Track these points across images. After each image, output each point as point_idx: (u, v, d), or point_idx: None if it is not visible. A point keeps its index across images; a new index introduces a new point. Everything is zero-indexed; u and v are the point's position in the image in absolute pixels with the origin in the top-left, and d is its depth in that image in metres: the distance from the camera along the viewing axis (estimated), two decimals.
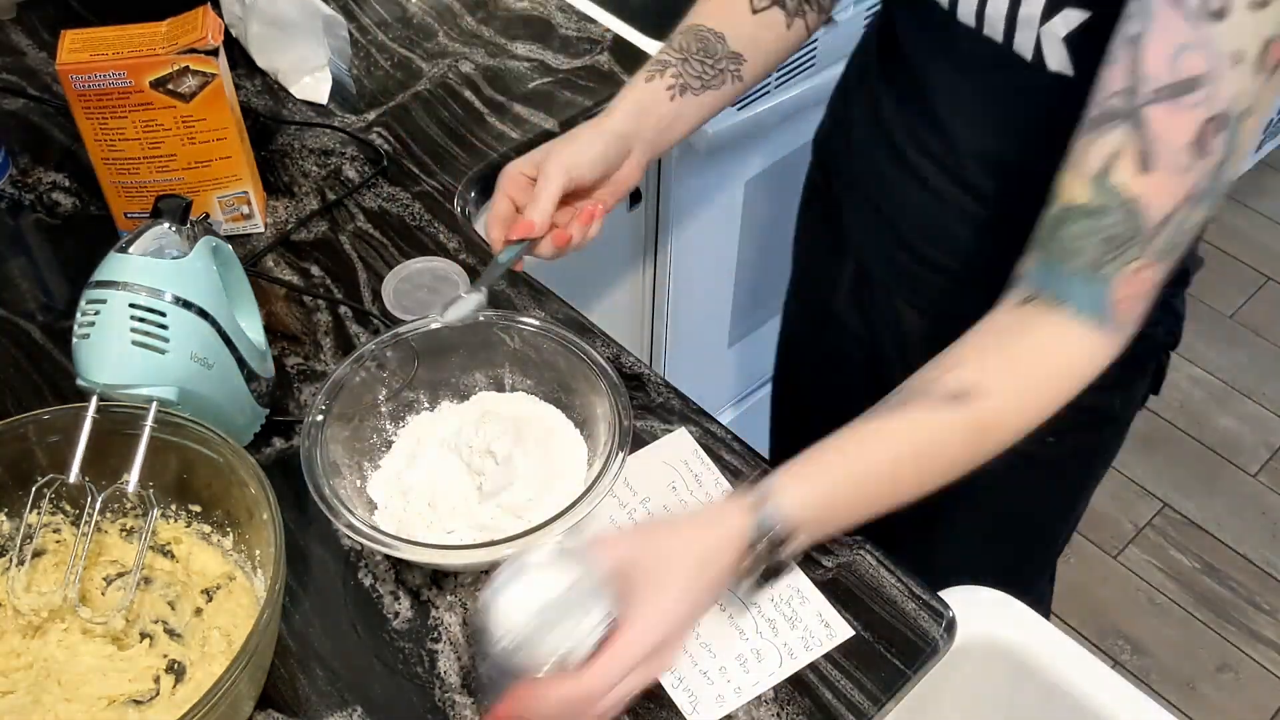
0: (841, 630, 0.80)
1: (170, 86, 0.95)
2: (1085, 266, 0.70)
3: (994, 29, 0.76)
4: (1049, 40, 0.73)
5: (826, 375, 1.16)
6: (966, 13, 0.77)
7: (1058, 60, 0.73)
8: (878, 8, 1.00)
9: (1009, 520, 1.08)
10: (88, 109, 0.95)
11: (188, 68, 0.94)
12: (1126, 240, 0.68)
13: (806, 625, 0.80)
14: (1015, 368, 0.72)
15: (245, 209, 1.06)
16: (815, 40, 1.36)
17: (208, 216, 1.03)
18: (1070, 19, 0.71)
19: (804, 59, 1.37)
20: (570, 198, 0.86)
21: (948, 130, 0.86)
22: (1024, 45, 0.75)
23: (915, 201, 0.91)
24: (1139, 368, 0.99)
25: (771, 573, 0.71)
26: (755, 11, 0.93)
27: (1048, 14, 0.72)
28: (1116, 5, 0.67)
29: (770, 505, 0.69)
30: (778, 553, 0.69)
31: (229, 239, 1.07)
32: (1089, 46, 0.70)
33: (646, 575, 0.66)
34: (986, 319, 0.74)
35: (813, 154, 1.12)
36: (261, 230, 1.08)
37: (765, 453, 0.93)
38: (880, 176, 0.95)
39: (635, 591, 0.66)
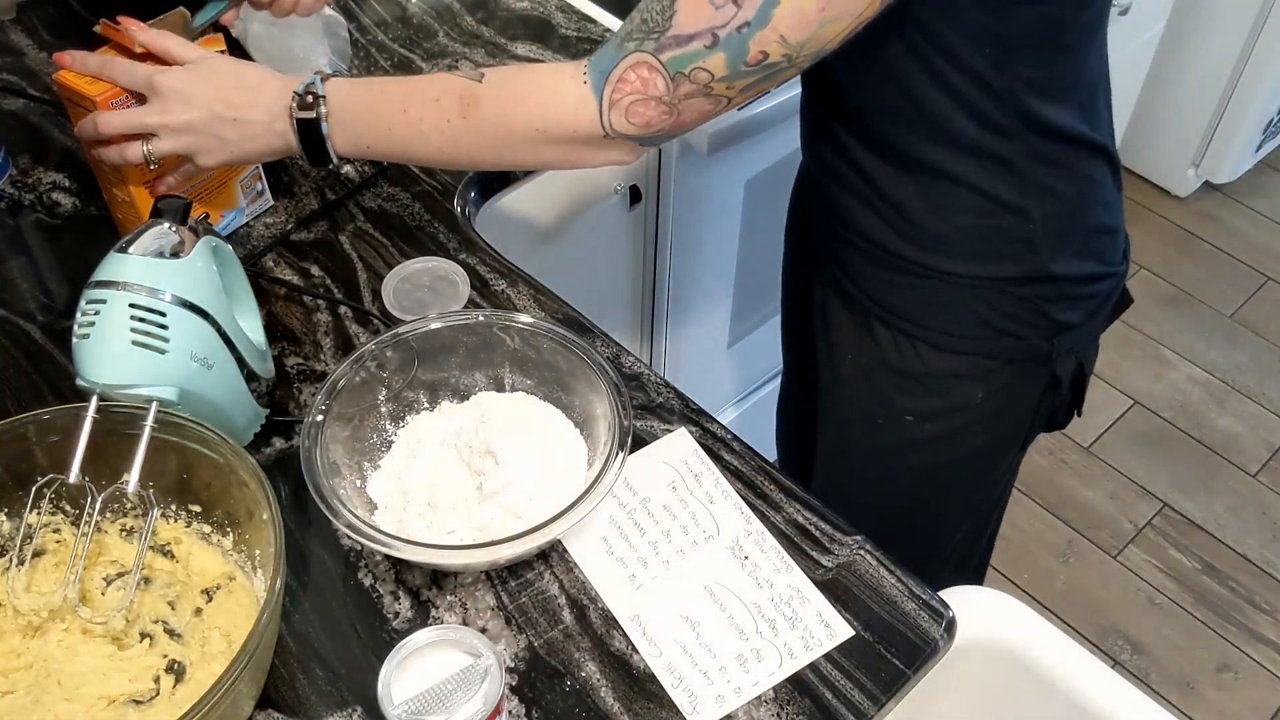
0: (841, 630, 0.80)
1: None
2: (616, 37, 0.78)
3: None
4: None
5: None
6: None
7: None
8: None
9: (891, 501, 1.11)
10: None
11: None
12: (650, 31, 0.75)
13: (806, 625, 0.80)
14: (513, 76, 0.83)
15: (259, 185, 1.06)
16: None
17: (207, 216, 1.03)
18: None
19: None
20: None
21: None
22: None
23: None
24: (1013, 370, 0.98)
25: (308, 133, 0.86)
26: None
27: None
28: None
29: (320, 80, 0.86)
30: (308, 110, 0.85)
31: (251, 225, 1.07)
32: None
33: (188, 74, 0.88)
34: None
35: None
36: (273, 204, 1.09)
37: (765, 453, 0.93)
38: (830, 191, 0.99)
39: (165, 85, 0.87)
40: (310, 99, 0.85)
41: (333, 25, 1.20)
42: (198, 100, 0.87)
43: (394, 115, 0.85)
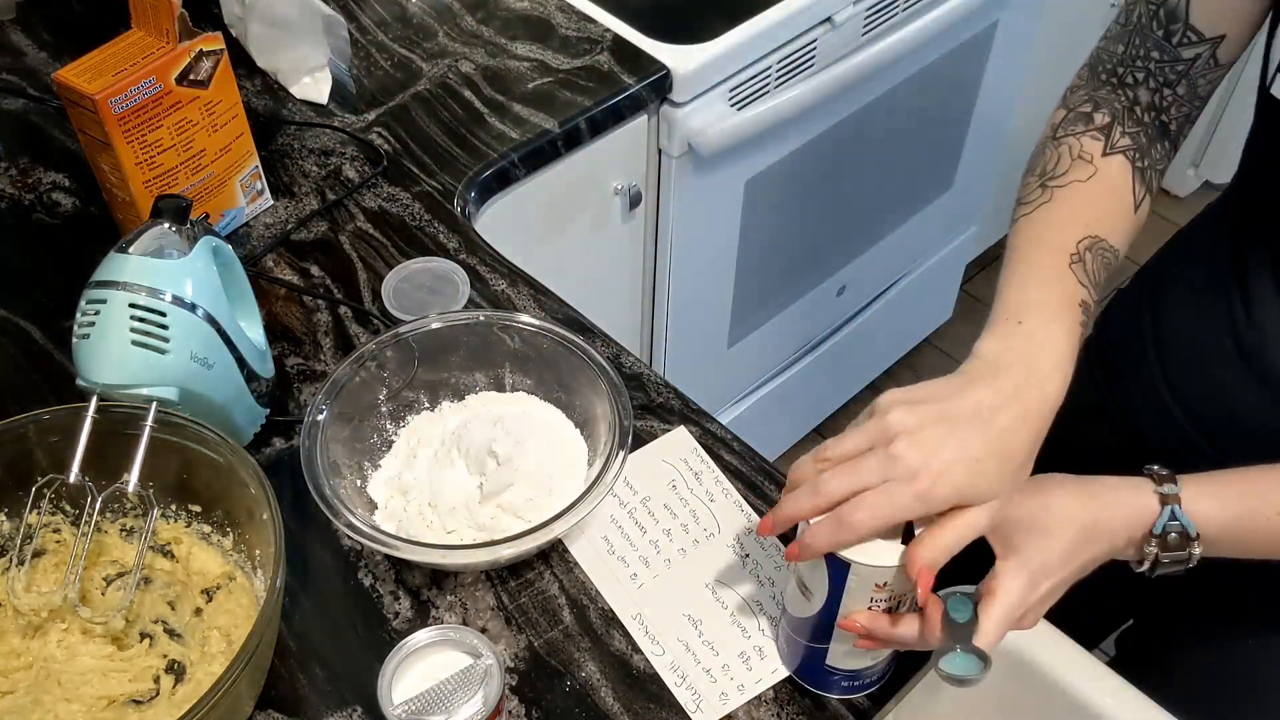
0: None
1: (191, 77, 0.95)
2: None
3: None
4: None
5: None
6: None
7: None
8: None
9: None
10: (127, 132, 0.93)
11: (201, 51, 0.95)
12: None
13: None
14: None
15: (259, 184, 1.06)
16: (815, 41, 1.36)
17: (207, 216, 1.03)
18: None
19: (803, 60, 1.37)
20: None
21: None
22: None
23: (1258, 416, 0.81)
24: None
25: (1161, 570, 0.70)
26: (1136, 209, 0.78)
27: None
28: None
29: (1181, 506, 0.68)
30: (1178, 552, 0.68)
31: (251, 225, 1.07)
32: None
33: (1030, 529, 0.66)
34: None
35: (1096, 332, 0.98)
36: (273, 204, 1.09)
37: (766, 454, 0.93)
38: (1202, 367, 0.84)
39: (1015, 543, 0.66)
40: (1176, 540, 0.68)
41: (333, 25, 1.20)
42: (1050, 599, 0.68)
43: (1273, 548, 0.71)
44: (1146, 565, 0.70)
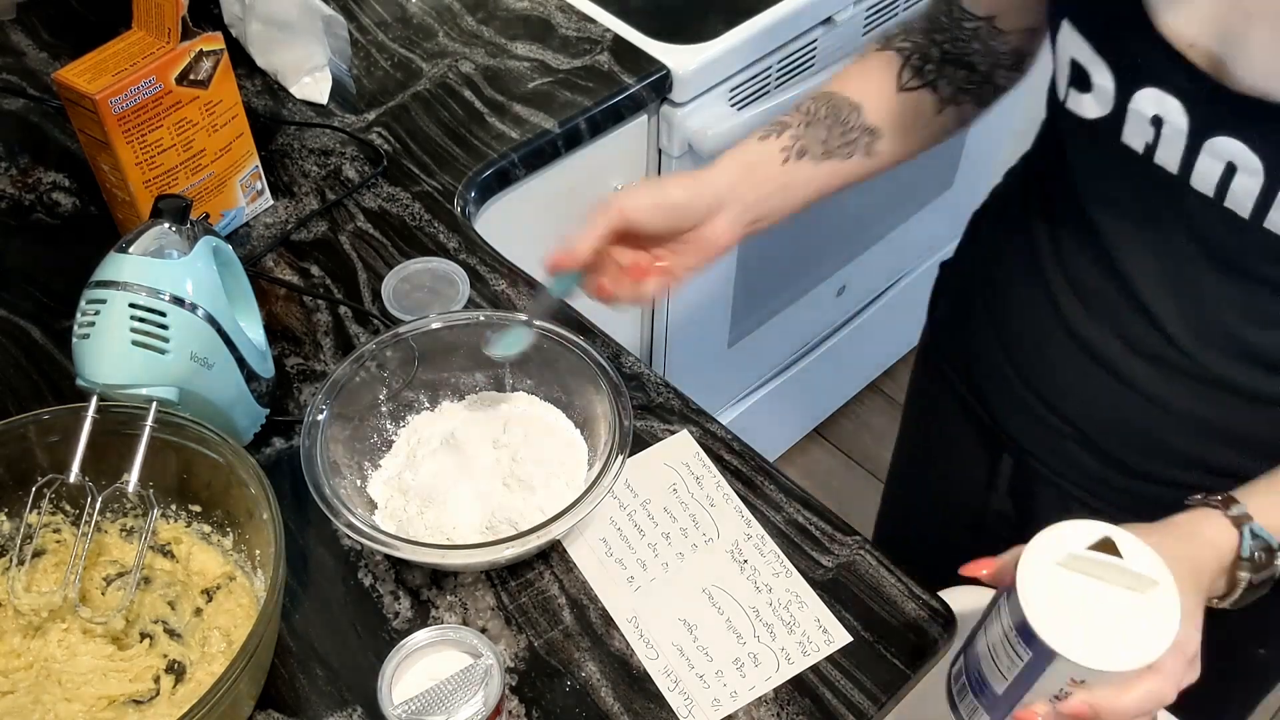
0: (840, 636, 0.79)
1: (191, 77, 0.95)
2: None
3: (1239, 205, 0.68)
4: None
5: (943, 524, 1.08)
6: (1204, 183, 0.69)
7: None
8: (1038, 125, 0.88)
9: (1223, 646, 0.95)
10: (127, 132, 0.93)
11: (201, 51, 0.95)
12: None
13: (804, 630, 0.80)
14: None
15: (258, 185, 1.06)
16: (815, 41, 1.36)
17: (207, 216, 1.03)
18: None
19: (803, 60, 1.37)
20: (649, 244, 0.78)
21: (1156, 313, 0.77)
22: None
23: (1105, 399, 0.82)
24: None
25: (1254, 593, 0.68)
26: (901, 89, 0.84)
27: None
28: None
29: (1259, 524, 0.67)
30: (1266, 571, 0.67)
31: (251, 225, 1.07)
32: None
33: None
34: None
35: (935, 285, 1.04)
36: (273, 204, 1.09)
37: (766, 454, 0.93)
38: (1040, 352, 0.86)
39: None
40: (1263, 557, 0.67)
41: (333, 25, 1.20)
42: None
43: None
44: (1239, 593, 0.68)
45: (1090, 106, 0.74)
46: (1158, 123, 0.70)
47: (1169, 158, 0.70)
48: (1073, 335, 0.83)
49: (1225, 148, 0.67)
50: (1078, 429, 0.87)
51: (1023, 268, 0.87)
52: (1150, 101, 0.69)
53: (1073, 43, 0.73)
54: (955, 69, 0.85)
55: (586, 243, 0.76)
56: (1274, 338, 0.74)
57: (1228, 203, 0.68)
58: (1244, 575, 0.67)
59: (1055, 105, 0.78)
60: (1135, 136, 0.72)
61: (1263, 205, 0.66)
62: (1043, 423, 0.89)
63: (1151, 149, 0.71)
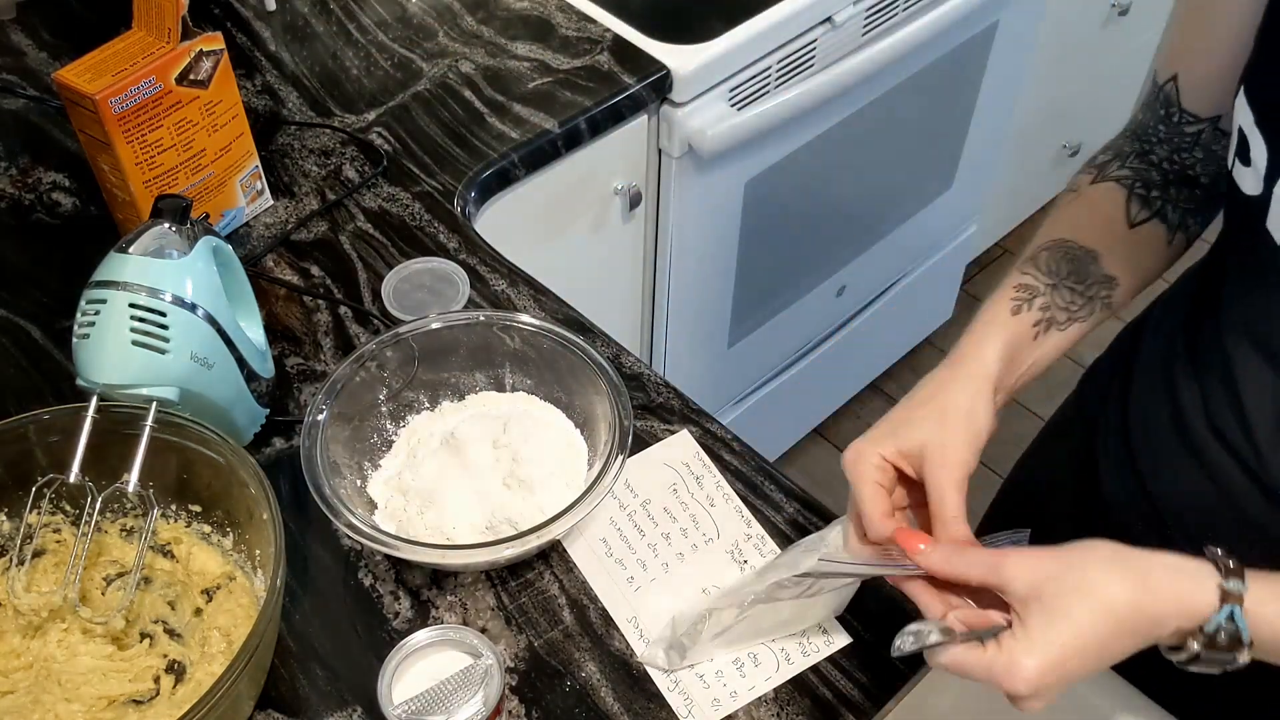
0: (839, 638, 0.79)
1: (191, 77, 0.95)
2: None
3: None
4: None
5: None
6: None
7: None
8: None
9: None
10: (127, 132, 0.93)
11: (201, 51, 0.95)
12: None
13: (805, 632, 0.80)
14: None
15: (259, 184, 1.06)
16: (815, 41, 1.36)
17: (207, 216, 1.03)
18: None
19: (803, 60, 1.37)
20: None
21: (1255, 427, 0.71)
22: None
23: (1200, 494, 0.77)
24: None
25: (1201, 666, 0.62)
26: (1133, 225, 0.78)
27: None
28: None
29: (1243, 608, 0.60)
30: (1224, 654, 0.61)
31: (251, 225, 1.07)
32: None
33: (1053, 608, 0.60)
34: None
35: (1078, 386, 0.98)
36: (273, 204, 1.09)
37: (766, 454, 0.93)
38: (1153, 450, 0.81)
39: (1032, 616, 0.60)
40: (1228, 641, 0.61)
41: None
42: (1056, 685, 0.62)
43: None
44: (1184, 658, 0.62)
45: (1248, 181, 0.68)
46: None
47: None
48: (1181, 422, 0.78)
49: None
50: (1180, 526, 0.80)
51: (1158, 360, 0.82)
52: None
53: (1243, 111, 0.68)
54: (1180, 188, 0.79)
55: (959, 531, 0.67)
56: None
57: None
58: (1195, 648, 0.61)
59: (1228, 178, 0.72)
60: (1276, 225, 0.66)
61: None
62: (1145, 519, 0.83)
63: None
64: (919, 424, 0.69)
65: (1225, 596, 0.60)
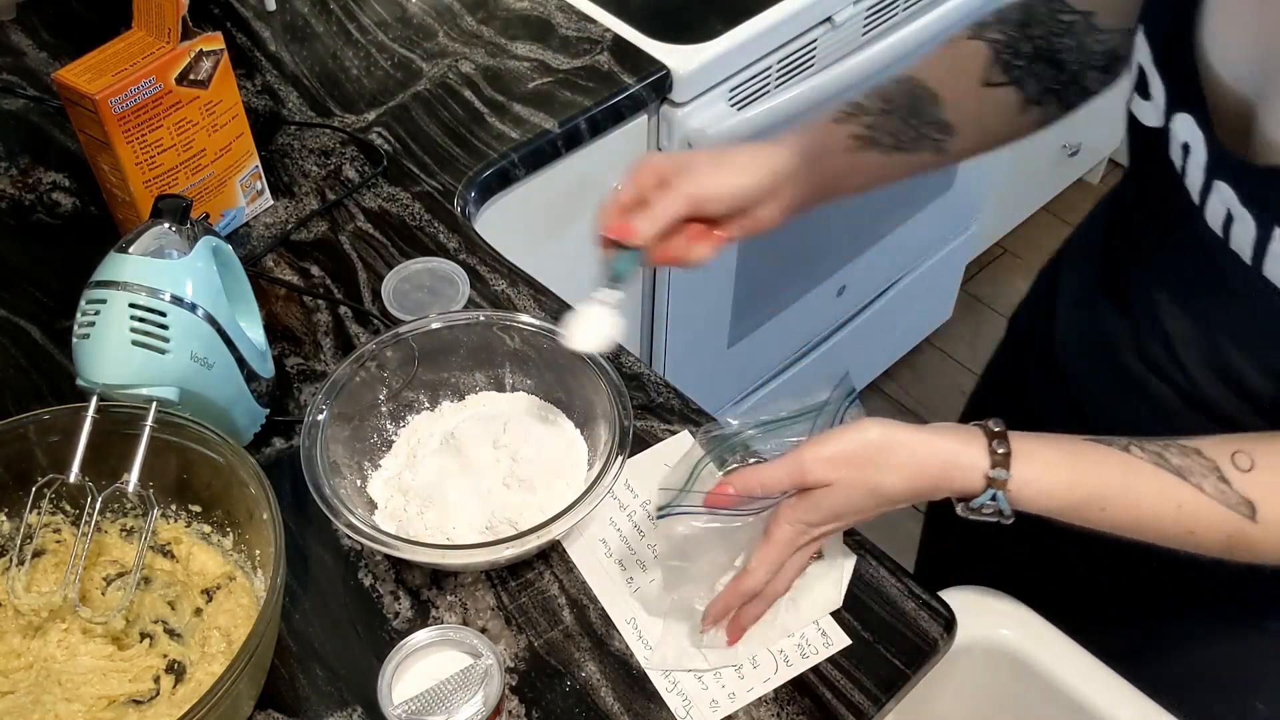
0: (839, 640, 0.79)
1: (191, 77, 0.95)
2: None
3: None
4: None
5: None
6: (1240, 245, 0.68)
7: None
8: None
9: (1223, 697, 0.93)
10: (127, 132, 0.93)
11: (201, 51, 0.95)
12: None
13: (803, 633, 0.80)
14: None
15: (258, 184, 1.06)
16: (815, 41, 1.36)
17: (207, 216, 1.03)
18: None
19: (803, 60, 1.37)
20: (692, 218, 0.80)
21: (1171, 336, 0.77)
22: None
23: (1140, 423, 0.78)
24: None
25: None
26: (985, 85, 0.82)
27: None
28: None
29: (1005, 494, 0.68)
30: (988, 518, 0.70)
31: (251, 225, 1.07)
32: None
33: (857, 485, 0.69)
34: None
35: (1006, 332, 1.04)
36: (273, 204, 1.09)
37: None
38: (1090, 383, 0.86)
39: (834, 495, 0.69)
40: (991, 514, 0.70)
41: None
42: (851, 513, 0.71)
43: (1090, 523, 0.70)
44: (958, 509, 0.71)
45: (1149, 114, 0.73)
46: (1186, 150, 0.69)
47: (1193, 186, 0.70)
48: (1115, 359, 0.82)
49: (1225, 193, 0.66)
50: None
51: (1079, 296, 0.86)
52: (1184, 126, 0.69)
53: (1143, 48, 0.72)
54: (1045, 66, 0.83)
55: (654, 226, 0.78)
56: (1270, 383, 0.72)
57: (1231, 245, 0.68)
58: (963, 511, 0.70)
59: (1128, 111, 0.76)
60: (1176, 155, 0.71)
61: (1259, 254, 0.66)
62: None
63: (1181, 173, 0.70)
64: (694, 160, 0.80)
65: (990, 483, 0.68)
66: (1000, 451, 0.68)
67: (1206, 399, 0.76)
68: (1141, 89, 0.73)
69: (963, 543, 1.07)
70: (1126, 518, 0.69)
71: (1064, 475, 0.69)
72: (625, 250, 0.79)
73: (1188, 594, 0.87)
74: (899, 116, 0.81)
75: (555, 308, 1.00)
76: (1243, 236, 0.66)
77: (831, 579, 0.81)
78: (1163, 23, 0.71)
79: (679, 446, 0.90)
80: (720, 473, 0.75)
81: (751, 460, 0.75)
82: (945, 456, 0.69)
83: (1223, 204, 0.67)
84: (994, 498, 0.68)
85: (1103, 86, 0.85)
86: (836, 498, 0.69)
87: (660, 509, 0.73)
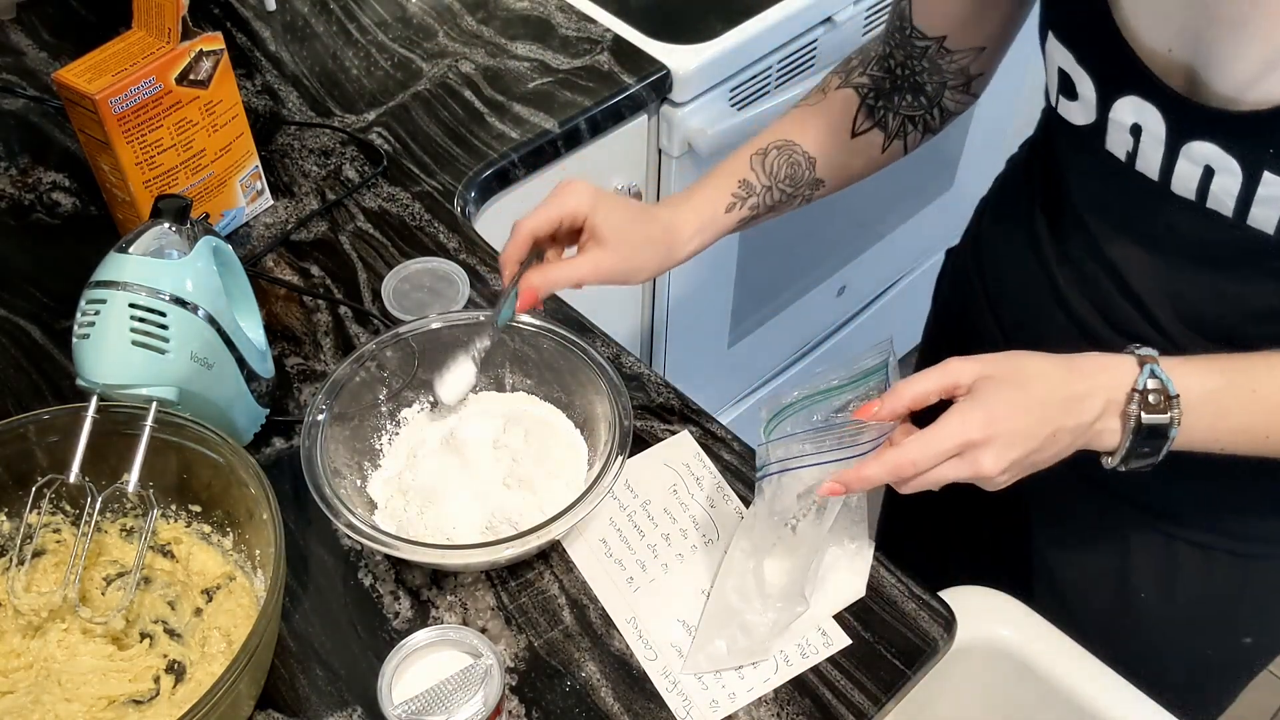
0: (839, 639, 0.79)
1: (191, 77, 0.95)
2: None
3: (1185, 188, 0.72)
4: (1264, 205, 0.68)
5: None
6: (1148, 166, 0.73)
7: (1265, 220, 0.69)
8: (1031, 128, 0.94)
9: (1212, 635, 0.98)
10: (127, 132, 0.93)
11: (201, 51, 0.95)
12: None
13: (804, 634, 0.80)
14: None
15: (259, 184, 1.06)
16: (815, 41, 1.36)
17: (207, 216, 1.03)
18: None
19: (803, 60, 1.37)
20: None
21: (1145, 302, 0.80)
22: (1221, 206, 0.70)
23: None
24: None
25: (1143, 444, 0.70)
26: (854, 135, 0.89)
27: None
28: None
29: (1161, 368, 0.69)
30: (1158, 413, 0.68)
31: (251, 225, 1.07)
32: None
33: (1000, 381, 0.68)
34: None
35: (940, 272, 1.08)
36: (273, 204, 1.09)
37: None
38: (1037, 331, 0.89)
39: (989, 388, 0.68)
40: (1158, 399, 0.68)
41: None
42: (1010, 444, 0.68)
43: (1255, 431, 0.71)
44: (1125, 440, 0.70)
45: (1077, 114, 0.76)
46: (1136, 131, 0.72)
47: (1149, 165, 0.73)
48: (1069, 315, 0.86)
49: (1202, 151, 0.69)
50: None
51: (1023, 252, 0.90)
52: (1129, 109, 0.72)
53: (1059, 53, 0.75)
54: (908, 95, 0.88)
55: (509, 267, 0.82)
56: (1255, 327, 0.76)
57: (1209, 204, 0.70)
58: (1134, 410, 0.68)
59: (1049, 109, 0.81)
60: (1118, 145, 0.74)
61: (1244, 204, 0.68)
62: None
63: (1132, 157, 0.74)
64: (593, 199, 0.82)
65: (1143, 361, 0.69)
66: (1144, 352, 0.70)
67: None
68: (1067, 91, 0.76)
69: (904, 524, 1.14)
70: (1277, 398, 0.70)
71: (1208, 361, 0.71)
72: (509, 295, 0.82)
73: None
74: (781, 189, 0.88)
75: (554, 308, 1.00)
76: (1225, 190, 0.69)
77: (855, 568, 0.82)
78: (1076, 22, 0.74)
79: (679, 446, 0.90)
80: (790, 435, 0.75)
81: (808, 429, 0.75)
82: (1089, 356, 0.70)
83: (1197, 164, 0.69)
84: (1154, 373, 0.68)
85: (963, 106, 0.91)
86: (988, 393, 0.68)
87: (760, 467, 0.74)
